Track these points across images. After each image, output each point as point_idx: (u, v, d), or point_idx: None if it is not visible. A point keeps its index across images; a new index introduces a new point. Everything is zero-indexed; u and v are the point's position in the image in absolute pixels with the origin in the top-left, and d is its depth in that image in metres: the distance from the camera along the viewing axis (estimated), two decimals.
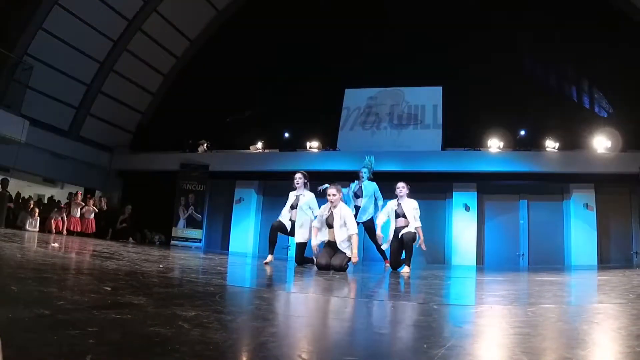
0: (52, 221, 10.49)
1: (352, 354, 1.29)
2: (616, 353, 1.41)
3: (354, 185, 6.64)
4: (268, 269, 4.92)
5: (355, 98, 11.92)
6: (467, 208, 10.48)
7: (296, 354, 1.28)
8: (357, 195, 6.56)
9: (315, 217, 5.47)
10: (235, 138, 12.14)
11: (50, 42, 10.57)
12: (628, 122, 9.63)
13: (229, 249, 11.59)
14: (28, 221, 10.19)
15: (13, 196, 11.21)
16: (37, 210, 10.53)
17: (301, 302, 2.63)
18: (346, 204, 5.63)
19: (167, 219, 12.02)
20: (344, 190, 5.65)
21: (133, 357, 1.11)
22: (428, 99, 11.39)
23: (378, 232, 5.70)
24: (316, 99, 11.66)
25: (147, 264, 3.82)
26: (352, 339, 1.57)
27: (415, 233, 5.42)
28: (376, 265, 7.14)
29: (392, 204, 5.67)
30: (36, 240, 6.28)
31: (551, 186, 10.39)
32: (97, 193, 12.82)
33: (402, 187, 5.63)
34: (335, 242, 5.13)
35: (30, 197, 12.17)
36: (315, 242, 5.31)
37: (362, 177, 6.60)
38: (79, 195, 11.27)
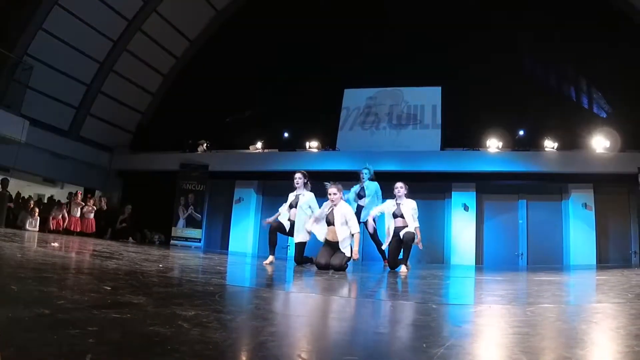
0: (52, 219, 10.49)
1: (351, 354, 1.29)
2: (615, 352, 1.41)
3: (356, 188, 6.68)
4: (268, 268, 4.93)
5: (354, 98, 11.92)
6: (466, 208, 10.49)
7: (295, 353, 1.29)
8: (361, 195, 6.59)
9: None
10: (235, 138, 12.15)
11: (50, 42, 10.57)
12: (627, 122, 9.63)
13: (229, 249, 11.60)
14: (28, 221, 10.20)
15: (13, 196, 11.21)
16: (37, 210, 10.53)
17: (300, 302, 2.63)
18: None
19: (166, 219, 12.02)
20: (344, 196, 5.64)
21: (133, 357, 1.11)
22: (427, 99, 11.40)
23: (369, 219, 5.76)
24: (316, 99, 11.66)
25: (146, 264, 3.83)
26: (351, 338, 1.58)
27: (414, 233, 5.42)
28: (375, 264, 7.15)
29: (390, 204, 5.67)
30: (36, 240, 6.28)
31: (550, 186, 10.40)
32: (97, 193, 12.82)
33: (400, 187, 5.62)
34: (334, 242, 5.13)
35: (30, 197, 12.18)
36: (309, 226, 5.34)
37: (363, 177, 6.64)
38: (79, 195, 11.28)
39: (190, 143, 12.39)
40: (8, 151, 9.73)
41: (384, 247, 5.90)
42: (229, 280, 3.68)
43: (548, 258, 9.94)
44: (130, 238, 11.10)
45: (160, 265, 3.93)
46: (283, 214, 5.77)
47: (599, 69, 10.31)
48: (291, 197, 5.79)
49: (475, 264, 9.96)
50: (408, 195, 5.66)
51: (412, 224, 5.44)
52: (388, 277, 4.70)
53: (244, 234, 11.79)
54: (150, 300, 1.89)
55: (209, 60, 13.41)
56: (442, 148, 10.81)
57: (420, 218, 5.65)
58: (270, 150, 11.91)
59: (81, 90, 11.99)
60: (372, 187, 6.54)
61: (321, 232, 5.33)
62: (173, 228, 11.97)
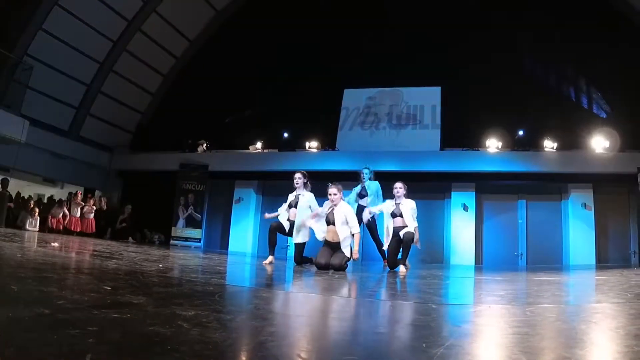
0: (52, 217, 10.50)
1: (351, 354, 1.29)
2: (614, 352, 1.41)
3: (357, 188, 6.70)
4: (268, 268, 4.93)
5: (354, 98, 11.92)
6: (465, 208, 10.49)
7: (295, 353, 1.29)
8: (362, 195, 6.61)
9: None
10: (235, 138, 12.15)
11: (50, 42, 10.57)
12: (626, 122, 9.64)
13: (229, 249, 11.60)
14: (28, 221, 10.20)
15: (13, 196, 11.21)
16: (37, 210, 10.53)
17: (300, 302, 2.63)
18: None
19: (166, 219, 12.03)
20: (344, 197, 5.64)
21: (133, 357, 1.11)
22: (427, 99, 11.39)
23: (366, 212, 5.77)
24: (316, 99, 11.66)
25: (146, 264, 3.83)
26: (351, 338, 1.58)
27: (413, 233, 5.43)
28: (375, 264, 7.15)
29: (389, 204, 5.68)
30: (36, 240, 6.28)
31: (549, 186, 10.40)
32: (97, 193, 12.83)
33: (399, 188, 5.62)
34: (333, 242, 5.14)
35: (30, 196, 12.19)
36: (309, 222, 5.35)
37: (364, 177, 6.67)
38: (79, 195, 11.28)
39: (190, 143, 12.40)
40: (8, 151, 9.73)
41: (385, 247, 5.90)
42: (228, 280, 3.69)
43: (547, 258, 9.94)
44: (130, 238, 11.10)
45: (160, 265, 3.93)
46: (282, 214, 5.77)
47: (599, 69, 10.31)
48: (291, 197, 5.79)
49: (475, 264, 9.96)
50: (407, 195, 5.66)
51: (412, 224, 5.44)
52: (388, 277, 4.70)
53: (244, 234, 11.79)
54: (150, 300, 1.89)
55: (208, 60, 13.41)
56: (442, 148, 10.81)
57: (420, 218, 5.65)
58: (270, 150, 11.91)
59: (81, 90, 12.00)
60: (373, 187, 6.59)
61: (320, 230, 5.33)
62: (173, 228, 11.98)
